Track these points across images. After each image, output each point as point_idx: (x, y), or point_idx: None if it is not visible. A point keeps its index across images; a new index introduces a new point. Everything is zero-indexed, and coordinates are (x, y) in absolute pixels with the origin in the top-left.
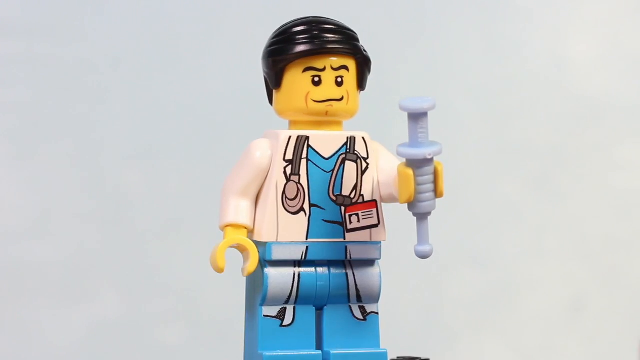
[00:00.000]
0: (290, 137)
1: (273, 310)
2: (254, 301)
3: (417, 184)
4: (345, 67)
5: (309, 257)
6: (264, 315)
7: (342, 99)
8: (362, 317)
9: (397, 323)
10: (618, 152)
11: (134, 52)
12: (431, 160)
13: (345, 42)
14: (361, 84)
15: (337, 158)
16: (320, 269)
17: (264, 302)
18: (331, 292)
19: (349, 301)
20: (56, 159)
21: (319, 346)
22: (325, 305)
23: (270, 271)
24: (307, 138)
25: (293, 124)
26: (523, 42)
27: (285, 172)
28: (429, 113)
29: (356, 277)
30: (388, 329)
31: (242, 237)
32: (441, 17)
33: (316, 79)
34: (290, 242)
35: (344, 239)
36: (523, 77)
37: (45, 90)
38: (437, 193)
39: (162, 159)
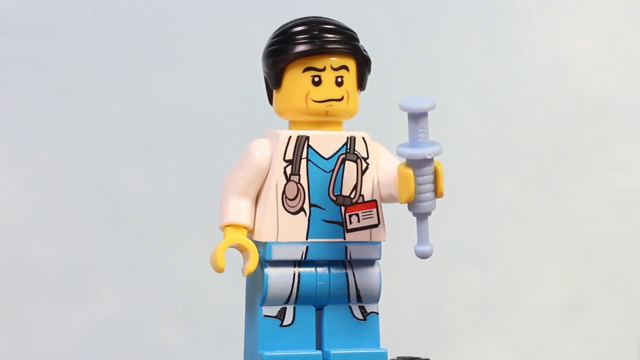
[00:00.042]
0: (290, 137)
1: (273, 310)
2: (254, 301)
3: (417, 184)
4: (345, 67)
5: (309, 257)
6: (264, 315)
7: (342, 99)
8: (362, 317)
9: (397, 323)
10: (618, 152)
11: (134, 52)
12: (431, 160)
13: (345, 42)
14: (361, 84)
15: (337, 158)
16: (320, 269)
17: (264, 302)
18: (331, 292)
19: (349, 301)
20: (56, 159)
21: (319, 346)
22: (325, 305)
23: (270, 271)
24: (307, 138)
25: (293, 124)
26: (523, 42)
27: (285, 172)
28: (429, 113)
29: (356, 277)
30: (388, 329)
31: (242, 237)
32: (441, 17)
33: (316, 79)
34: (290, 242)
35: (344, 239)
36: (523, 77)
37: (45, 90)
38: (437, 193)
39: (162, 159)
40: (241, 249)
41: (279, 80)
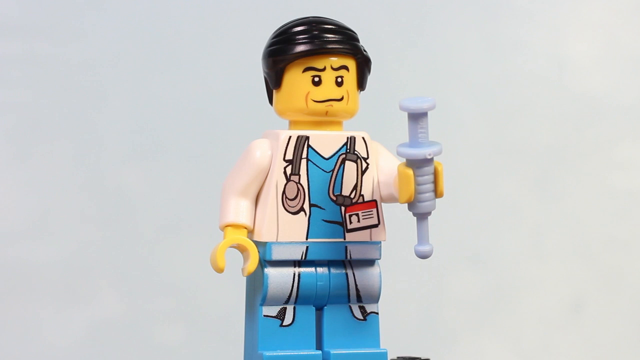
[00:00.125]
0: (290, 137)
1: (273, 310)
2: (254, 301)
3: (417, 184)
4: (345, 67)
5: (309, 257)
6: (264, 315)
7: (342, 99)
8: (362, 317)
9: (397, 323)
10: (618, 152)
11: (133, 52)
12: (431, 160)
13: (345, 42)
14: (361, 84)
15: (337, 158)
16: (320, 269)
17: (264, 302)
18: (331, 292)
19: (349, 301)
20: (56, 159)
21: (319, 346)
22: (325, 305)
23: (270, 271)
24: (307, 138)
25: (293, 124)
26: (523, 42)
27: (285, 172)
28: (429, 113)
29: (356, 277)
30: (388, 329)
31: (242, 237)
32: (441, 17)
33: (316, 79)
34: (290, 242)
35: (344, 239)
36: (523, 76)
37: (45, 90)
38: (437, 193)
39: (162, 159)
40: (241, 249)
41: (279, 80)
